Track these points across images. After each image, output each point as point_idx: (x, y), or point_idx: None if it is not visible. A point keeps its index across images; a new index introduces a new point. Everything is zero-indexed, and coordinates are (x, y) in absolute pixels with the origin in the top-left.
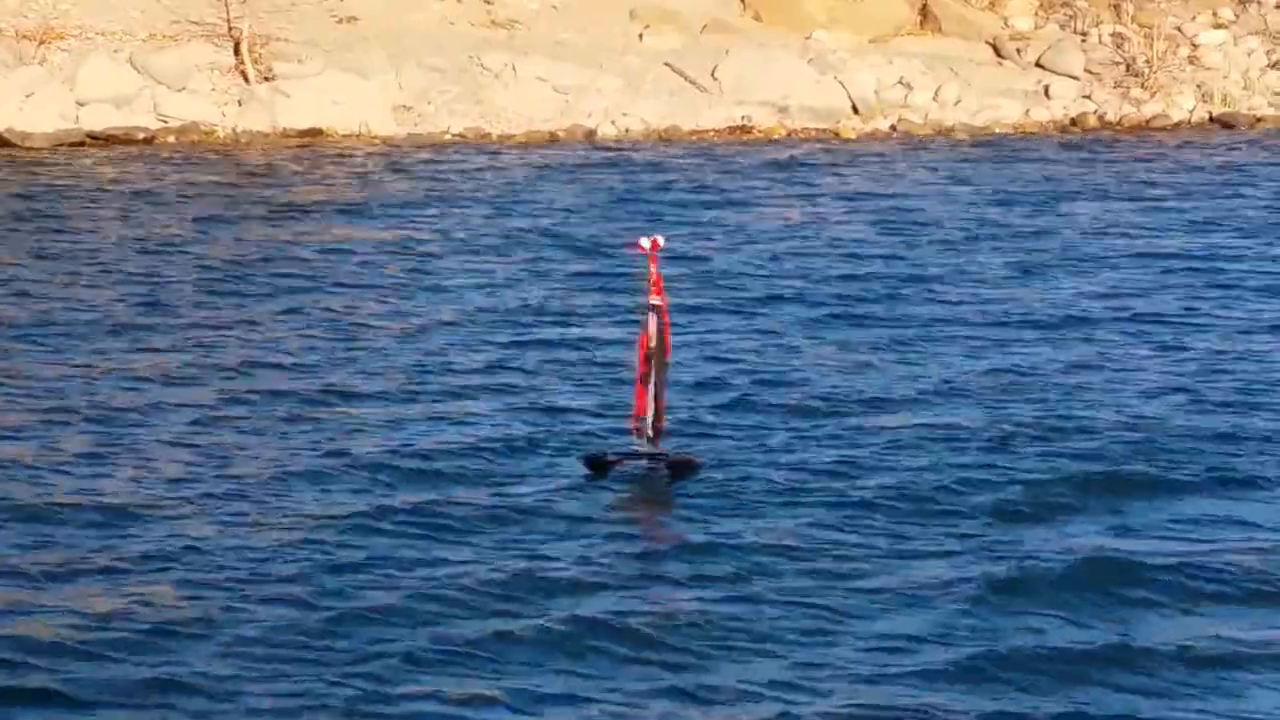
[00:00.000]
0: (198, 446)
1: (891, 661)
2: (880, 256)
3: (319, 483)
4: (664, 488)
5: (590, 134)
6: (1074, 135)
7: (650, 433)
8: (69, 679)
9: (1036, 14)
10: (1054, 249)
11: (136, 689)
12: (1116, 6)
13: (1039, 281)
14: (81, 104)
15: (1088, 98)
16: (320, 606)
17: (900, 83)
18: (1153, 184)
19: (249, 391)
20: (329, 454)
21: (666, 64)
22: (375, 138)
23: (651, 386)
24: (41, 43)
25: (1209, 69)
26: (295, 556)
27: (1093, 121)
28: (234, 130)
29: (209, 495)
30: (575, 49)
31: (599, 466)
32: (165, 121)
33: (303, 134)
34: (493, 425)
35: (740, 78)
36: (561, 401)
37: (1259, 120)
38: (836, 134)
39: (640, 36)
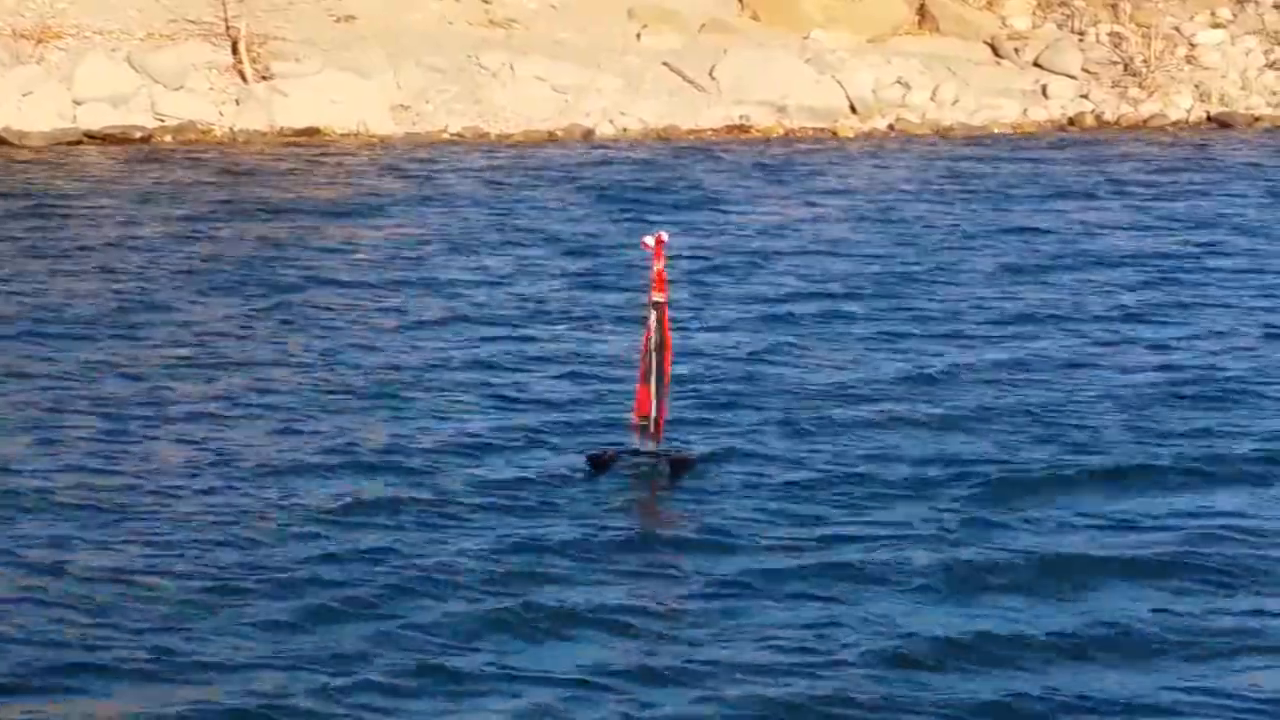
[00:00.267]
0: (195, 442)
1: (887, 648)
2: (877, 255)
3: (318, 479)
4: (664, 484)
5: (588, 133)
6: (1071, 135)
7: (652, 429)
8: (72, 666)
9: (1034, 13)
10: (1051, 247)
11: (138, 677)
12: (1114, 6)
13: (1035, 279)
14: (79, 103)
15: (1085, 97)
16: (320, 601)
17: (898, 82)
18: (1150, 183)
19: (247, 388)
20: (328, 450)
21: (665, 64)
22: (373, 137)
23: (653, 383)
24: (39, 42)
25: (1207, 68)
26: (295, 551)
27: (1090, 121)
28: (231, 129)
29: (207, 490)
30: (573, 49)
31: (600, 464)
32: (163, 120)
33: (300, 133)
34: (492, 423)
35: (738, 77)
36: (560, 399)
37: (1256, 119)
38: (834, 133)
39: (638, 36)
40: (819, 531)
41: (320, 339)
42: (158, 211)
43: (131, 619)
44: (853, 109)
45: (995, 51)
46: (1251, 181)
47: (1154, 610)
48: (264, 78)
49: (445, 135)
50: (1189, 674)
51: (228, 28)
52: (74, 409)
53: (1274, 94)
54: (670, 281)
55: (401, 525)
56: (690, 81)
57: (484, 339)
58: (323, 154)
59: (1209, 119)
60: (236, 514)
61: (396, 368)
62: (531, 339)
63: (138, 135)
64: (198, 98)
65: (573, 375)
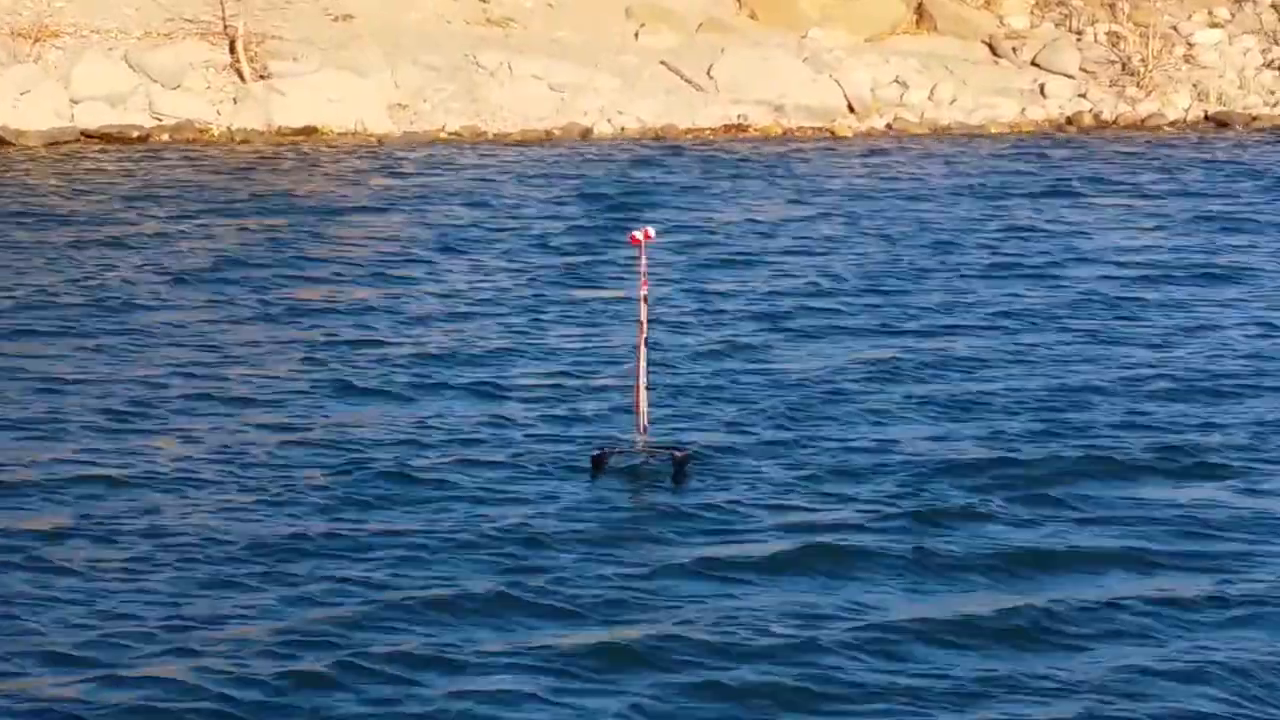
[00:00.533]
0: (191, 439)
1: (875, 635)
2: (874, 253)
3: (317, 476)
4: (663, 481)
5: (586, 132)
6: (1069, 134)
7: (646, 424)
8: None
9: (1032, 13)
10: (1048, 245)
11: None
12: (1112, 5)
13: (1031, 277)
14: (76, 102)
15: (1083, 96)
16: (320, 596)
17: (896, 81)
18: (1147, 182)
19: (245, 386)
20: (326, 446)
21: (662, 63)
22: (370, 136)
23: (643, 378)
24: (36, 40)
25: (1204, 68)
26: (294, 547)
27: (1088, 120)
28: (229, 128)
29: (206, 487)
30: (571, 47)
31: (599, 462)
32: (160, 120)
33: (298, 132)
34: (490, 420)
35: (736, 76)
36: (559, 396)
37: (1254, 119)
38: (832, 133)
39: (636, 35)
40: (810, 520)
41: (317, 337)
42: (155, 210)
43: (131, 617)
44: (850, 108)
45: (993, 51)
46: (1250, 181)
47: (1141, 599)
48: (261, 77)
49: (443, 134)
50: (1172, 653)
51: (225, 27)
52: (71, 405)
53: (1271, 93)
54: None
55: (399, 522)
56: (688, 80)
57: (481, 336)
58: (320, 153)
59: (1207, 118)
60: (235, 510)
61: (394, 365)
62: (529, 336)
63: (135, 134)
64: (195, 97)
65: (571, 373)
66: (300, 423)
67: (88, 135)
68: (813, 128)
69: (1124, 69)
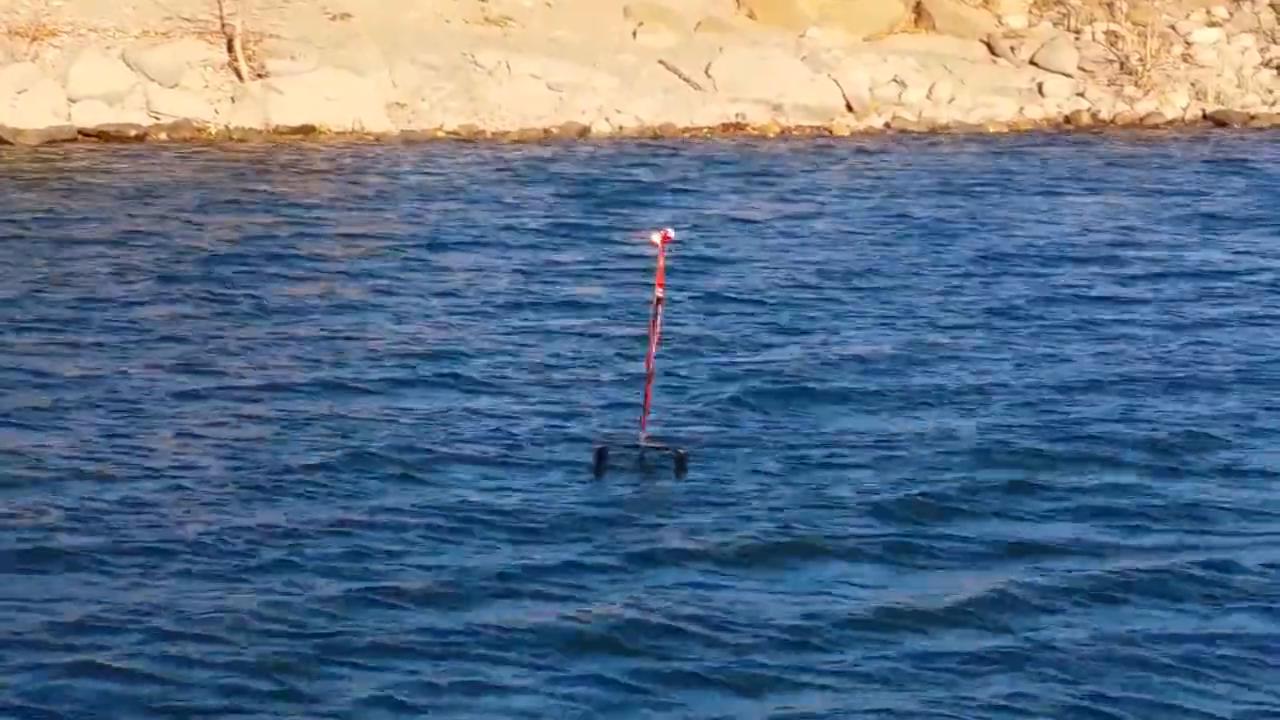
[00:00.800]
0: (189, 435)
1: (864, 621)
2: (870, 251)
3: (317, 471)
4: (663, 476)
5: (584, 131)
6: (1067, 133)
7: (648, 420)
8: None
9: (1030, 12)
10: (1045, 244)
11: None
12: (1110, 4)
13: (1028, 275)
14: (74, 101)
15: (1081, 95)
16: (320, 590)
17: (894, 80)
18: (1144, 181)
19: (244, 384)
20: (324, 442)
21: (661, 62)
22: (368, 135)
23: (652, 376)
24: (34, 39)
25: (1203, 67)
26: (294, 543)
27: (1086, 119)
28: (227, 127)
29: (202, 481)
30: (569, 46)
31: (602, 458)
32: (158, 118)
33: (296, 131)
34: (488, 418)
35: (734, 75)
36: (557, 394)
37: (1252, 118)
38: (830, 132)
39: (634, 34)
40: (805, 513)
41: (315, 333)
42: (152, 209)
43: (133, 614)
44: (849, 107)
45: (991, 50)
46: (1247, 180)
47: (1138, 594)
48: (259, 75)
49: (441, 133)
50: (1168, 644)
51: (223, 25)
52: (68, 403)
53: (1270, 92)
54: (669, 278)
55: (399, 522)
56: (686, 79)
57: (480, 334)
58: (318, 152)
59: (1205, 117)
60: (230, 502)
61: (392, 362)
62: (528, 335)
63: (133, 133)
64: (193, 95)
65: (569, 371)
66: (297, 418)
67: (85, 134)
68: (811, 127)
69: (1122, 68)
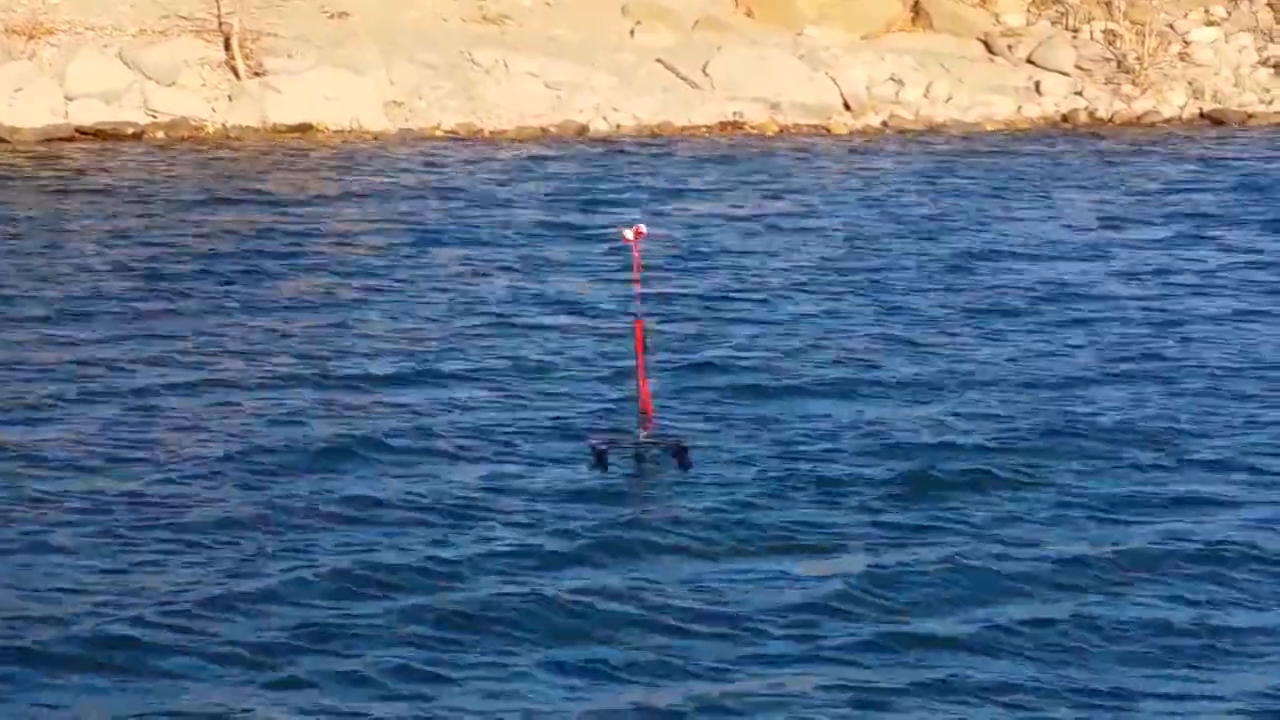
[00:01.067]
0: (189, 431)
1: (875, 635)
2: (866, 248)
3: (317, 468)
4: (662, 472)
5: (582, 130)
6: (1065, 131)
7: (644, 418)
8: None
9: (1028, 10)
10: (1042, 242)
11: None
12: (1108, 3)
13: (1026, 273)
14: (71, 99)
15: (1079, 94)
16: (317, 580)
17: (892, 79)
18: (1142, 180)
19: (243, 380)
20: (323, 440)
21: (659, 60)
22: (366, 133)
23: (642, 372)
24: (31, 38)
25: (1200, 66)
26: (294, 540)
27: (1084, 118)
28: (224, 125)
29: (206, 480)
30: (567, 45)
31: (600, 455)
32: (155, 117)
33: (293, 129)
34: (485, 412)
35: (732, 74)
36: (556, 392)
37: (1250, 117)
38: (828, 130)
39: (632, 33)
40: (811, 520)
41: (312, 330)
42: (150, 207)
43: (133, 612)
44: (846, 106)
45: (989, 48)
46: (1244, 179)
47: (1136, 589)
48: (257, 74)
49: (439, 132)
50: (1165, 637)
51: (220, 24)
52: (64, 393)
53: (1267, 91)
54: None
55: (398, 516)
56: (684, 78)
57: (478, 333)
58: (315, 151)
59: (1202, 116)
60: (230, 499)
61: (388, 358)
62: (525, 331)
63: (130, 131)
64: (190, 94)
65: (568, 368)
66: (294, 412)
67: (82, 132)
68: (808, 125)
69: (1120, 66)
